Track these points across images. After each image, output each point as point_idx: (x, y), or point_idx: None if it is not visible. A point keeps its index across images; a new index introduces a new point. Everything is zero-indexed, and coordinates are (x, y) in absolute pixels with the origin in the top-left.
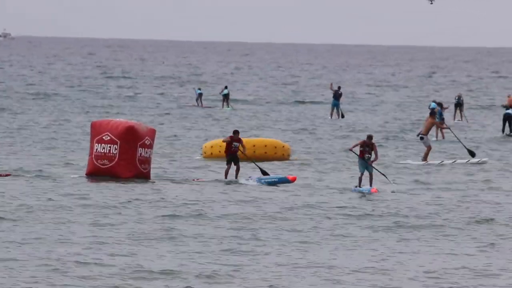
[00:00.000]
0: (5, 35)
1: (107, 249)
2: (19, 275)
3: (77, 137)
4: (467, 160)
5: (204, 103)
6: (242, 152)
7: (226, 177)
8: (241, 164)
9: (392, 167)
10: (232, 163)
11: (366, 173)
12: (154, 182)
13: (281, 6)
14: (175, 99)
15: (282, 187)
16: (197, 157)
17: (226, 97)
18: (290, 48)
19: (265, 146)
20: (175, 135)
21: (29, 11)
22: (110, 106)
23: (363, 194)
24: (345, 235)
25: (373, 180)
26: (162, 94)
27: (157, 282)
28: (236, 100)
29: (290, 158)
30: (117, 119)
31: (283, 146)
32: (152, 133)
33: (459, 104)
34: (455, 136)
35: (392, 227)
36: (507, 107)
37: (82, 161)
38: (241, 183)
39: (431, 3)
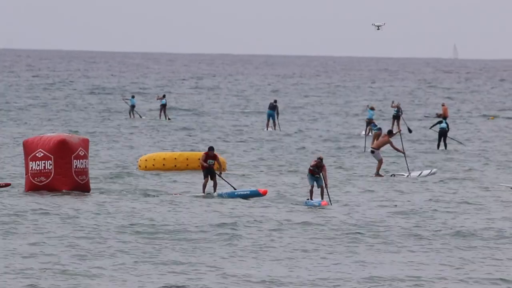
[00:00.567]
0: None
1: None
2: None
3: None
4: (419, 173)
5: (137, 115)
6: (218, 169)
7: (204, 191)
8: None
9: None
10: (209, 177)
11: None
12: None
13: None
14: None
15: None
16: (132, 170)
17: (163, 107)
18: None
19: (199, 159)
20: (109, 148)
21: None
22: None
23: (314, 207)
24: (290, 246)
25: (325, 193)
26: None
27: None
28: (173, 109)
29: (227, 170)
30: (48, 134)
31: None
32: (85, 143)
33: (397, 116)
34: (399, 150)
35: (338, 239)
36: (441, 117)
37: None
38: (213, 197)
39: (378, 29)
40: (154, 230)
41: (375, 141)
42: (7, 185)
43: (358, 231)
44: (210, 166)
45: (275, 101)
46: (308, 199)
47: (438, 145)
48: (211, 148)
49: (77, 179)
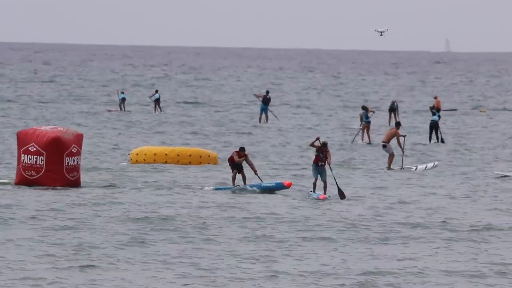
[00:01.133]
0: None
1: None
2: None
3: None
4: (425, 167)
5: (127, 108)
6: (253, 169)
7: (233, 183)
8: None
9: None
10: (238, 171)
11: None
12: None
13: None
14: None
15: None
16: (124, 163)
17: (157, 102)
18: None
19: (190, 155)
20: (100, 141)
21: None
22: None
23: (313, 200)
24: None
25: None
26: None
27: None
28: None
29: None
30: (43, 128)
31: (209, 155)
32: (79, 138)
33: (393, 109)
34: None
35: (334, 235)
36: (434, 109)
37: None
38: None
39: (381, 35)
40: (148, 221)
41: (385, 135)
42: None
43: (364, 223)
44: (239, 163)
45: (267, 93)
46: (311, 191)
47: (430, 138)
48: (242, 149)
49: (67, 176)
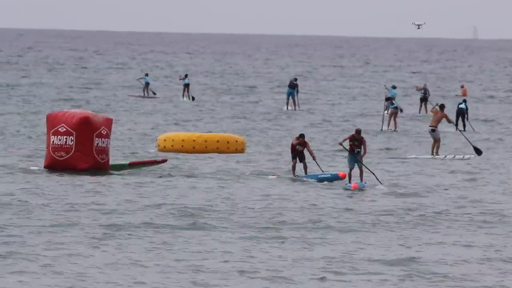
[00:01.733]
0: None
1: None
2: None
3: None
4: (462, 157)
5: (150, 93)
6: (311, 155)
7: (293, 173)
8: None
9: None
10: (298, 160)
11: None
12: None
13: None
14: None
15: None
16: (152, 150)
17: (186, 87)
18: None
19: (217, 141)
20: (128, 127)
21: None
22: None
23: (347, 190)
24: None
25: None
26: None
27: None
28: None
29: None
30: (72, 110)
31: (236, 141)
32: (108, 122)
33: (425, 99)
34: (461, 133)
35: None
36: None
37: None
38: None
39: (418, 28)
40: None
41: (433, 119)
42: (163, 161)
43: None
44: (298, 150)
45: (295, 79)
46: (347, 184)
47: (456, 125)
48: (301, 135)
49: (97, 157)
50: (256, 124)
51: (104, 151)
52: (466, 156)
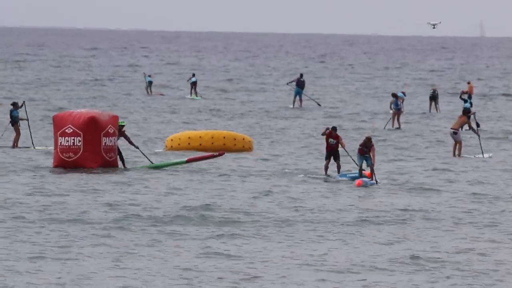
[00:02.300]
0: None
1: None
2: None
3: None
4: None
5: (154, 90)
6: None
7: (326, 172)
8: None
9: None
10: (333, 159)
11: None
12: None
13: None
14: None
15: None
16: (159, 150)
17: (194, 85)
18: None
19: (224, 138)
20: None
21: None
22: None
23: (369, 185)
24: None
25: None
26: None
27: None
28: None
29: (253, 150)
30: (78, 110)
31: (243, 139)
32: (115, 120)
33: (434, 97)
34: (474, 131)
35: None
36: (466, 96)
37: None
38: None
39: (434, 28)
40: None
41: (456, 122)
42: (220, 154)
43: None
44: (332, 146)
45: (301, 76)
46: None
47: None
48: (334, 128)
49: (105, 156)
50: (263, 123)
51: (112, 150)
52: (485, 155)
